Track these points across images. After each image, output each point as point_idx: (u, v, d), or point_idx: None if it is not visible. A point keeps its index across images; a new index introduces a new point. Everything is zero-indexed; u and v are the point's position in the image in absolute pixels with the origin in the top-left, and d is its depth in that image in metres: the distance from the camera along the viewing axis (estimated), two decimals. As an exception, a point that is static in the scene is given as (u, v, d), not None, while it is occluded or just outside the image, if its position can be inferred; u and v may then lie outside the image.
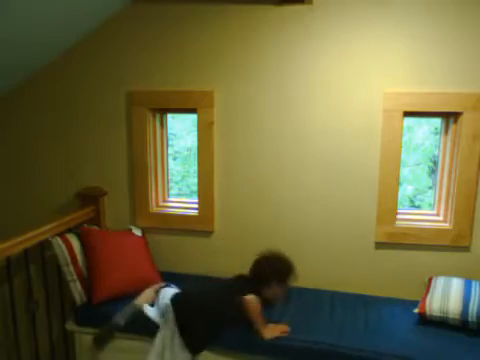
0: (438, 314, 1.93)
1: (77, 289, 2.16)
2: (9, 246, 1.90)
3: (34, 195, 2.64)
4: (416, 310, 2.00)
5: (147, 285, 2.16)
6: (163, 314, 1.95)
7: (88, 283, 2.19)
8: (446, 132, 2.26)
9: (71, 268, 2.15)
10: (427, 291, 2.07)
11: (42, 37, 2.21)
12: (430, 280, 2.15)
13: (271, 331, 1.89)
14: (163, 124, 2.57)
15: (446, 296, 1.96)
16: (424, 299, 2.02)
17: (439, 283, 2.06)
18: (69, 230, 2.30)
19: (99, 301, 2.12)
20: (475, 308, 1.88)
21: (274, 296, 2.02)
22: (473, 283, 2.02)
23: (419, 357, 1.73)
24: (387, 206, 2.26)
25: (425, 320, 1.97)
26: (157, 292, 2.08)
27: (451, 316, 1.91)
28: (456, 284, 2.01)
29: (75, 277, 2.15)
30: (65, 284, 2.20)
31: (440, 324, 1.94)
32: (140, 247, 2.37)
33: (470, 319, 1.88)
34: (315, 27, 2.19)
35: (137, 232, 2.44)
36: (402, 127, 2.20)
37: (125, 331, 2.05)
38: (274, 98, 2.29)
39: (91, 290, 2.16)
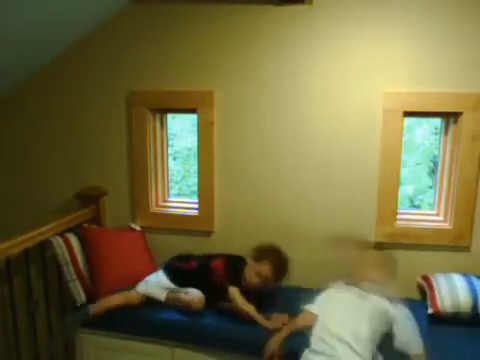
0: (451, 310, 1.96)
1: (77, 289, 2.16)
2: (9, 246, 1.90)
3: (34, 195, 2.64)
4: (430, 310, 2.01)
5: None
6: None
7: (90, 282, 2.19)
8: (446, 132, 2.26)
9: (71, 268, 2.15)
10: (432, 290, 2.07)
11: (42, 37, 2.22)
12: (427, 279, 2.16)
13: (274, 321, 1.89)
14: (163, 124, 2.57)
15: (454, 292, 1.98)
16: (433, 298, 2.02)
17: (440, 280, 2.08)
18: (69, 230, 2.30)
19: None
20: None
21: (253, 277, 2.03)
22: (471, 277, 2.06)
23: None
24: (387, 206, 2.26)
25: (435, 318, 1.99)
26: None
27: (463, 310, 1.95)
28: (458, 280, 2.04)
29: (75, 277, 2.15)
30: (65, 284, 2.20)
31: (450, 320, 1.97)
32: (139, 242, 2.39)
33: None
34: (315, 27, 2.19)
35: (137, 227, 2.47)
36: (402, 127, 2.20)
37: (125, 332, 2.06)
38: (274, 98, 2.29)
39: (93, 289, 2.17)
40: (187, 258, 2.22)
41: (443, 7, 2.06)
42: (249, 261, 2.11)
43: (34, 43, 2.23)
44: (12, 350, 2.13)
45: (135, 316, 2.04)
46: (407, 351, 1.73)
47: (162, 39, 2.36)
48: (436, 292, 2.03)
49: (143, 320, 2.03)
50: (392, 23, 2.12)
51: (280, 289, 2.20)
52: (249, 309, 1.92)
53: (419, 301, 2.19)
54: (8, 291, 2.04)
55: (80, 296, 2.16)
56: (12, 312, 2.05)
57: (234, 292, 1.96)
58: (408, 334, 1.77)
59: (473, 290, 1.97)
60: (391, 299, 1.88)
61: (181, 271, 2.13)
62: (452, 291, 1.99)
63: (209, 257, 2.19)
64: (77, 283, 2.16)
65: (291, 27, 2.21)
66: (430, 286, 2.10)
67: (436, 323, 1.98)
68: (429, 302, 2.04)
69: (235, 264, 2.12)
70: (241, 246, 2.43)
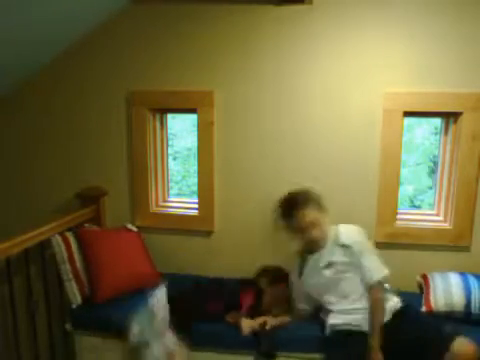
0: (444, 309, 1.98)
1: (72, 289, 2.14)
2: (9, 246, 1.89)
3: (34, 195, 2.64)
4: (423, 309, 2.01)
5: (145, 280, 2.16)
6: None
7: (89, 283, 2.19)
8: (446, 132, 2.26)
9: (68, 266, 2.13)
10: (427, 288, 2.08)
11: (42, 37, 2.21)
12: (425, 277, 2.16)
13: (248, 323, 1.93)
14: (163, 124, 2.58)
15: (448, 291, 2.00)
16: (427, 297, 2.04)
17: (437, 279, 2.08)
18: (69, 229, 2.30)
19: (102, 300, 2.12)
20: (477, 300, 1.95)
21: (274, 302, 2.04)
22: (468, 276, 2.07)
23: None
24: (387, 206, 2.26)
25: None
26: None
27: (456, 309, 1.97)
28: (454, 279, 2.05)
29: (71, 276, 2.14)
30: (63, 283, 2.19)
31: (444, 318, 1.97)
32: (136, 242, 2.37)
33: (473, 311, 1.95)
34: (315, 27, 2.19)
35: (133, 227, 2.45)
36: (402, 127, 2.20)
37: (126, 332, 2.06)
38: (274, 98, 2.29)
39: (93, 290, 2.16)
40: (205, 295, 2.09)
41: (442, 7, 2.07)
42: (265, 288, 2.09)
43: (34, 43, 2.23)
44: (12, 350, 2.12)
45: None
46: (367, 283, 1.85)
47: (162, 39, 2.36)
48: (431, 291, 2.05)
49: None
50: (392, 23, 2.12)
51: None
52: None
53: (417, 293, 2.18)
54: (8, 291, 2.04)
55: (75, 297, 2.14)
56: (12, 312, 2.05)
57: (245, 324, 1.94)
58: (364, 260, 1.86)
59: (467, 289, 1.99)
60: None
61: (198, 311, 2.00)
62: (447, 290, 2.01)
63: (231, 292, 2.12)
64: (73, 283, 2.14)
65: (291, 27, 2.21)
66: (427, 285, 2.11)
67: None
68: (423, 300, 2.05)
69: (260, 295, 2.09)
70: (241, 246, 2.44)
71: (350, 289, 1.86)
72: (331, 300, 1.89)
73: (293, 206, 1.91)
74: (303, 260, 2.00)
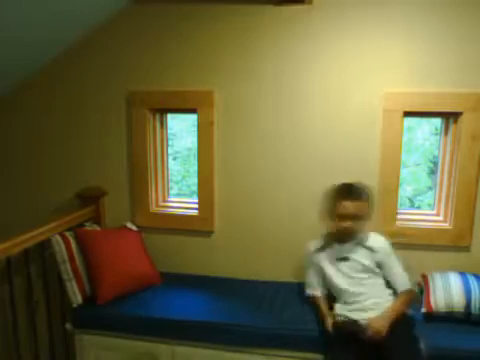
0: (444, 310, 1.98)
1: (72, 289, 2.14)
2: (9, 246, 1.90)
3: (34, 195, 2.64)
4: (423, 310, 2.01)
5: (146, 280, 2.15)
6: None
7: (90, 283, 2.19)
8: (446, 132, 2.26)
9: (68, 266, 2.14)
10: (427, 289, 2.08)
11: (42, 37, 2.22)
12: (425, 277, 2.16)
13: None
14: (163, 124, 2.58)
15: (448, 292, 2.00)
16: (428, 297, 2.04)
17: (437, 280, 2.08)
18: (69, 230, 2.29)
19: (103, 300, 2.12)
20: (477, 300, 1.95)
21: None
22: (468, 276, 2.06)
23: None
24: (387, 206, 2.26)
25: (429, 316, 2.00)
26: None
27: (456, 310, 1.97)
28: (454, 279, 2.05)
29: (71, 276, 2.14)
30: (63, 283, 2.19)
31: (444, 319, 1.99)
32: (136, 242, 2.37)
33: (473, 311, 1.95)
34: (315, 27, 2.19)
35: (133, 227, 2.45)
36: (402, 127, 2.20)
37: (124, 331, 2.06)
38: (274, 98, 2.29)
39: (93, 290, 2.17)
40: None
41: (443, 7, 2.07)
42: None
43: (34, 43, 2.23)
44: (12, 350, 2.13)
45: (135, 315, 2.05)
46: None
47: (162, 39, 2.36)
48: (431, 291, 2.05)
49: (142, 319, 2.03)
50: (392, 23, 2.12)
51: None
52: None
53: (417, 294, 2.18)
54: (8, 291, 2.04)
55: (76, 297, 2.14)
56: (12, 312, 2.05)
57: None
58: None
59: (467, 289, 1.98)
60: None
61: None
62: (447, 291, 2.01)
63: None
64: (73, 282, 2.14)
65: (291, 27, 2.21)
66: (426, 285, 2.11)
67: (431, 320, 1.99)
68: (424, 301, 2.05)
69: None
70: (241, 246, 2.45)
71: (363, 290, 1.92)
72: (341, 289, 1.96)
73: (349, 192, 1.96)
74: (328, 244, 2.05)
